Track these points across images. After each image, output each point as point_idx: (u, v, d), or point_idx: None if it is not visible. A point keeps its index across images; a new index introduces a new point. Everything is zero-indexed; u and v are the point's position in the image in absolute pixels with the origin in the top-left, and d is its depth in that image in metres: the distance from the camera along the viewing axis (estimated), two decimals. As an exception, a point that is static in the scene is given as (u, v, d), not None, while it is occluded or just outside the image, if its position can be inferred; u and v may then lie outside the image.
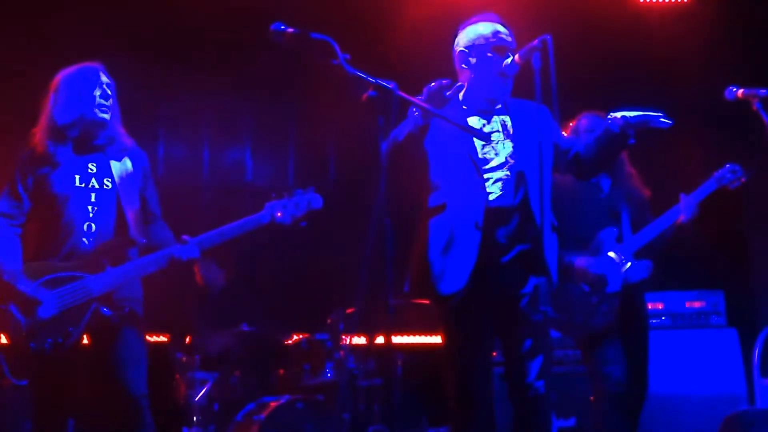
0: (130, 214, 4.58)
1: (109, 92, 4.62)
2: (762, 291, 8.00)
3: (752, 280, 8.18)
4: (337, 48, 3.63)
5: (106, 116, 4.57)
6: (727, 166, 5.51)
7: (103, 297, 4.35)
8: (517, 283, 4.24)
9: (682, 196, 5.43)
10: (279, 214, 4.68)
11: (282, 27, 3.73)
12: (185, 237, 4.56)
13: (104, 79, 4.63)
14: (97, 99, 4.55)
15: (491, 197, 4.24)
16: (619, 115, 4.23)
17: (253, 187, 9.15)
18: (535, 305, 4.16)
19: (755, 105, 4.47)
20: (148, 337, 6.94)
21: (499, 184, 4.27)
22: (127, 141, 4.73)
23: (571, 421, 6.67)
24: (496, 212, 4.23)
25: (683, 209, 5.38)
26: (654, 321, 7.00)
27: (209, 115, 8.98)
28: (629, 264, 5.32)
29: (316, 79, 8.04)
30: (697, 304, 7.15)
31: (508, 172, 4.29)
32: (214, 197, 8.91)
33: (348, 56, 3.63)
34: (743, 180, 5.45)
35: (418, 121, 4.06)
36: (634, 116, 4.21)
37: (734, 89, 4.58)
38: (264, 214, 4.67)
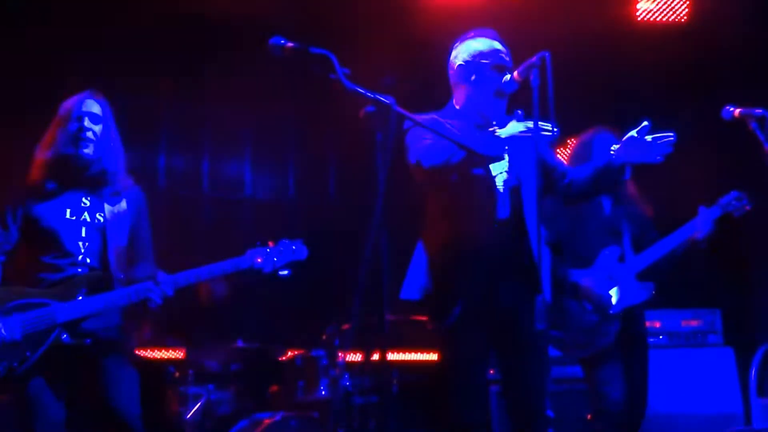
0: (114, 249, 4.58)
1: (94, 122, 4.59)
2: (759, 310, 8.00)
3: (749, 299, 8.19)
4: (336, 62, 3.63)
5: (87, 150, 4.54)
6: (733, 193, 5.50)
7: (67, 324, 4.35)
8: (512, 300, 4.23)
9: (701, 209, 5.42)
10: (259, 260, 4.73)
11: (281, 41, 3.73)
12: (160, 276, 4.57)
13: (91, 108, 4.60)
14: (74, 134, 4.53)
15: (492, 210, 4.25)
16: (622, 151, 4.28)
17: (252, 201, 9.16)
18: (531, 323, 4.16)
19: (751, 125, 4.49)
20: (142, 352, 7.00)
21: (496, 197, 4.28)
22: (125, 182, 4.74)
23: (569, 440, 6.67)
24: (496, 227, 4.25)
25: (700, 225, 5.37)
26: (651, 339, 6.98)
27: (210, 127, 8.99)
28: (632, 285, 5.33)
29: (316, 94, 8.10)
30: (693, 323, 7.15)
31: (504, 189, 4.29)
32: (213, 210, 8.92)
33: (347, 71, 3.64)
34: (748, 208, 5.46)
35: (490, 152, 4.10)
36: (635, 160, 4.27)
37: (731, 109, 4.59)
38: (244, 260, 4.71)
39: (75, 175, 4.57)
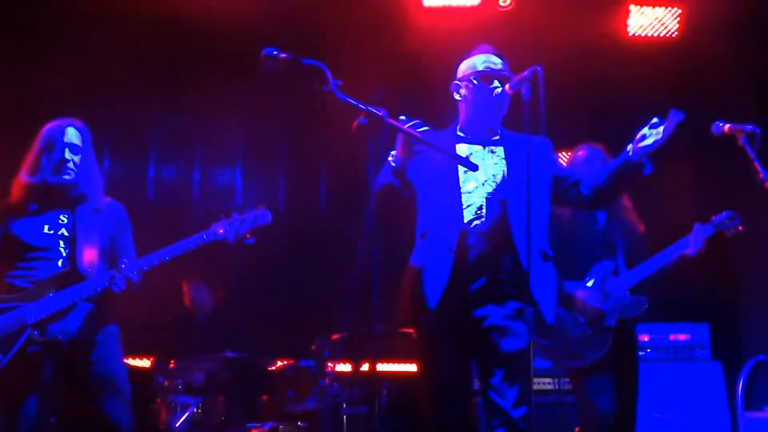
0: (83, 251, 4.67)
1: (74, 152, 4.77)
2: (747, 325, 8.02)
3: (737, 314, 8.19)
4: (329, 74, 3.63)
5: (68, 177, 4.73)
6: (726, 213, 5.51)
7: (38, 324, 4.44)
8: (488, 309, 4.20)
9: (696, 226, 5.43)
10: (221, 231, 4.78)
11: (274, 52, 3.73)
12: (122, 261, 4.64)
13: (71, 139, 4.79)
14: (56, 163, 4.71)
15: (466, 222, 4.25)
16: (637, 146, 4.27)
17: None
18: (510, 333, 4.16)
19: (741, 140, 4.48)
20: (131, 361, 6.98)
21: (473, 209, 4.28)
22: (103, 200, 4.89)
23: (555, 452, 6.66)
24: (470, 236, 4.23)
25: (692, 242, 5.38)
26: (639, 353, 7.00)
27: (200, 138, 8.98)
28: (625, 299, 5.34)
29: (307, 105, 8.10)
30: (682, 337, 7.17)
31: (484, 199, 4.29)
32: (202, 219, 8.90)
33: (339, 82, 3.64)
34: (740, 228, 5.47)
35: (395, 166, 4.12)
36: (655, 142, 4.24)
37: (721, 124, 4.58)
38: (207, 233, 4.79)
39: (56, 197, 4.74)
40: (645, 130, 4.27)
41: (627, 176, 4.38)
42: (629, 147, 4.30)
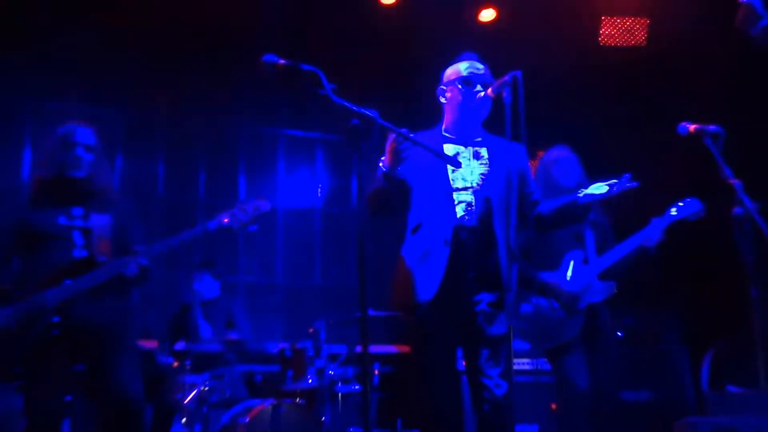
0: (97, 239, 4.70)
1: (87, 153, 4.80)
2: (712, 312, 8.00)
3: (703, 302, 8.16)
4: (324, 78, 3.62)
5: (80, 173, 4.75)
6: (690, 200, 5.51)
7: (57, 308, 4.45)
8: (478, 297, 4.24)
9: (653, 220, 5.45)
10: (226, 220, 4.79)
11: (274, 58, 3.72)
12: (135, 249, 4.68)
13: (83, 138, 4.82)
14: (72, 159, 4.74)
15: (459, 217, 4.27)
16: (589, 191, 4.35)
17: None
18: (495, 319, 4.17)
19: (705, 140, 4.48)
20: (144, 342, 6.97)
21: (463, 205, 4.30)
22: (113, 195, 4.93)
23: (534, 428, 6.66)
24: (462, 231, 4.25)
25: (650, 234, 5.40)
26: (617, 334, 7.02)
27: (206, 138, 8.96)
28: (594, 284, 5.37)
29: (305, 109, 8.09)
30: (651, 322, 7.16)
31: (473, 197, 4.32)
32: (207, 214, 8.90)
33: (334, 86, 3.63)
34: (703, 214, 5.47)
35: (385, 170, 4.15)
36: (601, 194, 4.34)
37: (687, 125, 4.59)
38: (212, 223, 4.80)
39: (70, 192, 4.75)
40: (600, 184, 4.38)
41: (571, 215, 4.50)
42: (581, 191, 4.42)
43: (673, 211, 5.46)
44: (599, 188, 4.39)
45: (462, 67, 4.51)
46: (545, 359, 6.16)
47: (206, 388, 6.42)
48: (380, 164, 4.18)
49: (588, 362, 5.31)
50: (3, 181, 7.78)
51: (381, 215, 4.37)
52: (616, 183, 4.37)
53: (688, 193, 5.50)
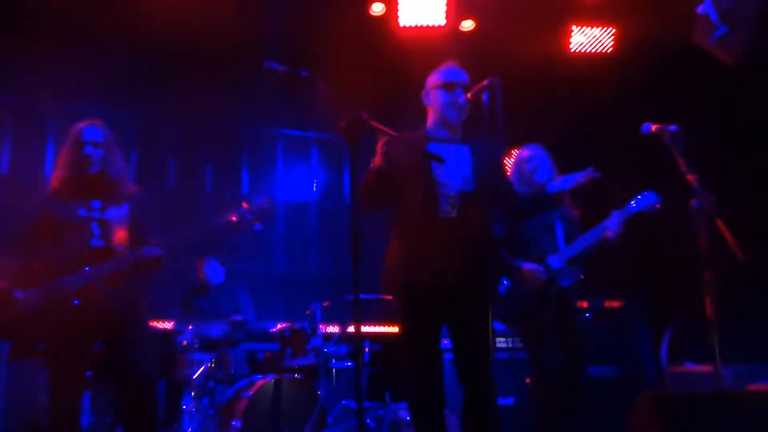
0: (114, 232, 4.68)
1: (96, 149, 4.75)
2: (671, 296, 8.02)
3: (663, 287, 8.19)
4: (320, 83, 3.64)
5: (93, 169, 4.72)
6: (646, 193, 5.53)
7: (78, 292, 4.45)
8: (461, 282, 4.24)
9: (613, 213, 5.46)
10: (234, 219, 4.78)
11: (275, 65, 3.73)
12: (150, 239, 4.68)
13: (93, 136, 4.77)
14: (83, 158, 4.71)
15: (442, 210, 4.27)
16: (557, 182, 4.44)
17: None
18: (476, 302, 4.18)
19: (666, 139, 4.50)
20: (157, 324, 6.99)
21: (447, 198, 4.29)
22: (128, 189, 4.88)
23: (510, 400, 6.69)
24: (446, 223, 4.26)
25: (610, 225, 5.40)
26: (580, 316, 7.03)
27: (213, 138, 8.96)
28: (563, 270, 5.38)
29: (302, 110, 8.08)
30: (616, 304, 7.18)
31: (456, 191, 4.31)
32: (214, 208, 8.90)
33: (328, 89, 3.64)
34: (659, 207, 5.48)
35: (375, 169, 4.20)
36: (568, 184, 4.41)
37: (649, 125, 4.61)
38: (220, 218, 4.80)
39: (87, 187, 4.72)
40: (567, 176, 4.59)
41: (541, 203, 4.63)
42: (551, 183, 4.61)
43: (632, 204, 5.47)
44: (566, 180, 4.44)
45: (444, 73, 4.51)
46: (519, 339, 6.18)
47: (213, 365, 6.44)
48: (371, 164, 4.19)
49: (559, 342, 5.32)
50: (28, 177, 7.78)
51: (373, 209, 4.37)
52: (580, 174, 4.42)
53: (648, 188, 5.51)
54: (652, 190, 5.48)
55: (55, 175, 4.80)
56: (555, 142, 5.80)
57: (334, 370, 6.60)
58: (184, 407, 6.24)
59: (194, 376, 6.31)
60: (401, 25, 7.83)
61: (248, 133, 9.22)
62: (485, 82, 4.06)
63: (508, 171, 4.78)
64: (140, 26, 7.38)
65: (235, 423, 5.96)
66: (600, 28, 8.19)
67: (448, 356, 5.65)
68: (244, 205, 4.82)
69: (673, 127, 4.52)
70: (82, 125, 4.82)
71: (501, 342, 6.86)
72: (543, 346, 5.30)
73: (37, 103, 7.97)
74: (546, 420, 5.26)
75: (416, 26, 7.82)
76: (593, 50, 8.24)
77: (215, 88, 8.20)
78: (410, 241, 4.30)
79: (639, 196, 5.49)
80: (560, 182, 4.51)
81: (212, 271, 7.43)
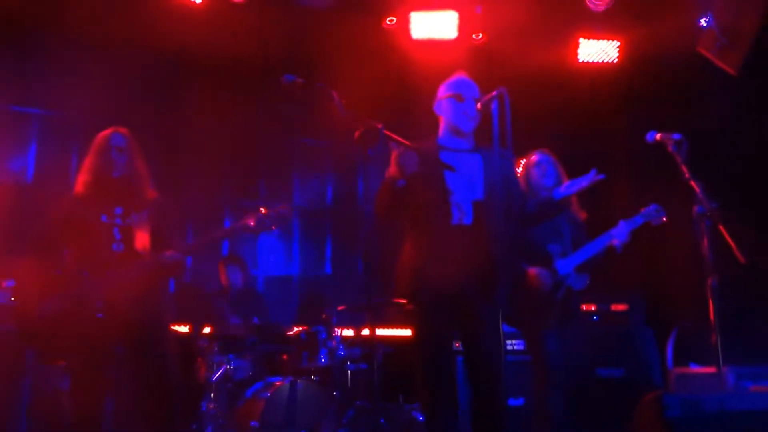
0: (137, 238, 4.73)
1: (120, 155, 4.82)
2: (674, 299, 8.01)
3: (668, 290, 8.18)
4: (336, 95, 3.68)
5: (116, 174, 4.79)
6: (653, 206, 5.57)
7: (102, 294, 4.51)
8: (474, 287, 4.28)
9: (620, 222, 5.49)
10: (252, 223, 4.82)
11: (293, 78, 3.78)
12: (171, 243, 4.77)
13: (117, 143, 4.83)
14: (106, 163, 4.78)
15: (455, 218, 4.31)
16: (564, 187, 4.51)
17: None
18: (487, 306, 4.22)
19: (671, 147, 4.53)
20: (178, 327, 7.04)
21: (459, 207, 4.34)
22: (150, 195, 4.93)
23: (520, 401, 6.70)
24: (459, 230, 4.30)
25: (616, 234, 5.44)
26: (585, 320, 7.05)
27: (232, 147, 9.00)
28: (570, 276, 5.41)
29: (317, 121, 8.13)
30: (621, 307, 7.18)
31: (468, 199, 4.36)
32: (233, 215, 8.94)
33: (344, 102, 3.68)
34: (664, 219, 5.52)
35: (390, 179, 4.20)
36: (574, 188, 4.47)
37: (654, 133, 4.64)
38: (240, 224, 4.84)
39: (109, 192, 4.78)
40: (573, 181, 4.56)
41: (549, 209, 4.64)
42: (558, 188, 4.62)
43: (639, 216, 5.51)
44: (572, 185, 4.48)
45: (455, 84, 4.55)
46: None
47: (231, 367, 6.48)
48: (386, 174, 4.22)
49: (564, 343, 5.33)
50: (54, 183, 7.83)
51: (387, 217, 4.39)
52: (584, 178, 4.46)
53: (652, 194, 5.54)
54: (658, 204, 5.53)
55: (80, 179, 4.84)
56: (562, 150, 5.84)
57: (349, 372, 6.63)
58: (203, 409, 6.29)
59: (213, 378, 6.36)
60: (413, 38, 7.89)
61: (266, 141, 9.24)
62: (494, 93, 4.09)
63: (519, 179, 4.81)
64: (162, 41, 7.46)
65: (254, 423, 6.00)
66: (606, 41, 8.24)
67: (460, 358, 5.70)
68: (262, 210, 4.87)
69: (677, 136, 4.56)
70: (107, 132, 4.88)
71: (512, 345, 6.86)
72: (546, 347, 5.31)
73: (62, 115, 8.03)
74: (546, 420, 5.28)
75: (428, 39, 7.88)
76: (599, 60, 8.29)
77: (235, 100, 8.26)
78: (423, 249, 4.33)
79: (645, 209, 5.54)
80: (566, 188, 4.55)
81: (234, 277, 7.49)
